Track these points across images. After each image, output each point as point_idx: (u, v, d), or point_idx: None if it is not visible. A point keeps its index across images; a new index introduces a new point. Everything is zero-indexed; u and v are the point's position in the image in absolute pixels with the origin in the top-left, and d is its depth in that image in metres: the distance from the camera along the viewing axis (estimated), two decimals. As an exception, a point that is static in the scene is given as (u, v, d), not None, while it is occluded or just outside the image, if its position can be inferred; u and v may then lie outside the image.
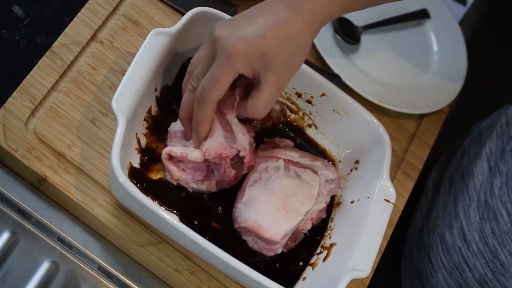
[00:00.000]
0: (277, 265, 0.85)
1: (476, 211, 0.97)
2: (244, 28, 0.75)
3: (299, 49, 0.78)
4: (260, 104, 0.78)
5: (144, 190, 0.82)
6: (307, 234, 0.87)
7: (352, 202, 0.90)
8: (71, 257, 0.84)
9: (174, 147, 0.83)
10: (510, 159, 0.94)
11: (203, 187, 0.84)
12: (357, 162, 0.92)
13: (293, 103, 0.94)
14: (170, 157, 0.83)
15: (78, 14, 0.90)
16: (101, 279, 0.84)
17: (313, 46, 1.03)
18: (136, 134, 0.84)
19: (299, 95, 0.93)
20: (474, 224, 0.96)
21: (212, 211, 0.85)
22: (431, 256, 1.04)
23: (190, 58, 0.90)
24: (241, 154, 0.83)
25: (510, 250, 0.91)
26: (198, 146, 0.82)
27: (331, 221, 0.90)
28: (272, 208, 0.83)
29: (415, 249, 1.08)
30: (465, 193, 1.01)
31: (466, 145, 1.09)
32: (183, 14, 0.92)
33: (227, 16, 0.88)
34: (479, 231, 0.95)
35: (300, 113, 0.94)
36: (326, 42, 1.04)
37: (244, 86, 0.81)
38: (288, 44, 0.76)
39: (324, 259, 0.86)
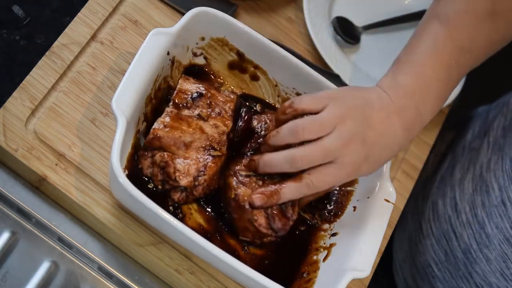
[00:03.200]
0: (278, 264, 0.85)
1: (470, 183, 0.99)
2: (372, 147, 0.80)
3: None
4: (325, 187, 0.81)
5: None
6: (310, 223, 0.86)
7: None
8: (71, 257, 0.83)
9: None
10: (509, 136, 0.95)
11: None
12: (357, 162, 0.92)
13: (293, 103, 0.94)
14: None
15: (78, 14, 0.90)
16: (101, 279, 0.84)
17: (313, 46, 1.03)
18: (137, 134, 0.84)
19: (299, 96, 0.93)
20: (466, 195, 0.98)
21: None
22: (422, 222, 1.06)
23: (191, 64, 0.91)
24: None
25: (497, 224, 0.92)
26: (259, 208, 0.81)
27: (331, 221, 0.90)
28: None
29: (409, 215, 1.10)
30: (464, 165, 1.02)
31: (472, 123, 1.11)
32: (183, 14, 0.92)
33: (227, 16, 0.88)
34: (470, 202, 0.97)
35: (300, 113, 0.94)
36: (326, 42, 1.04)
37: None
38: (389, 159, 0.85)
39: (324, 259, 0.86)
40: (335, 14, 1.08)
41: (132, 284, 0.84)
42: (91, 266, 0.84)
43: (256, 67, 0.92)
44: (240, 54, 0.91)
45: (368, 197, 0.87)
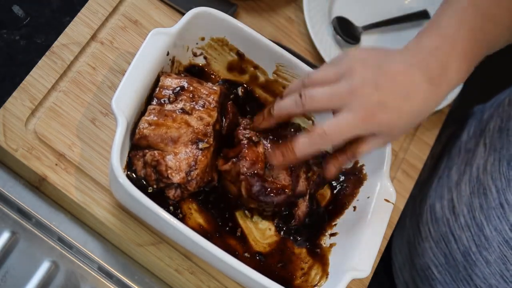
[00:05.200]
0: (278, 265, 0.85)
1: (467, 185, 0.98)
2: (387, 93, 0.76)
3: (423, 120, 0.81)
4: (356, 156, 0.80)
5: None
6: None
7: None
8: (71, 257, 0.84)
9: None
10: (506, 138, 0.94)
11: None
12: (357, 162, 0.92)
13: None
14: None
15: (78, 14, 0.90)
16: (101, 279, 0.84)
17: (313, 46, 1.03)
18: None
19: (299, 95, 0.93)
20: (464, 197, 0.98)
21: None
22: (420, 225, 1.06)
23: (191, 64, 0.91)
24: None
25: (496, 226, 0.92)
26: (280, 166, 0.81)
27: (331, 221, 0.90)
28: None
29: (407, 217, 1.10)
30: (460, 167, 1.02)
31: (468, 124, 1.10)
32: (183, 14, 0.92)
33: (227, 16, 0.88)
34: (468, 205, 0.97)
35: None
36: (326, 42, 1.04)
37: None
38: (417, 119, 0.79)
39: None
40: (335, 14, 1.08)
41: (132, 284, 0.84)
42: (91, 266, 0.84)
43: (256, 67, 0.92)
44: (240, 54, 0.91)
45: (368, 197, 0.87)
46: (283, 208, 0.86)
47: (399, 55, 0.79)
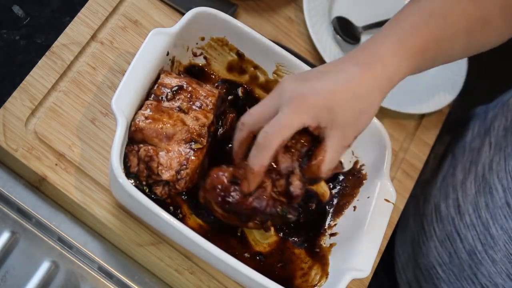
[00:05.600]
0: (278, 264, 0.85)
1: (473, 184, 0.98)
2: (313, 82, 0.76)
3: (368, 108, 0.78)
4: (325, 164, 0.78)
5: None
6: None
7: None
8: (71, 257, 0.84)
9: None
10: (510, 136, 0.94)
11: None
12: (357, 162, 0.92)
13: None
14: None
15: (78, 14, 0.90)
16: (101, 279, 0.84)
17: (313, 46, 1.03)
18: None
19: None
20: (469, 196, 0.98)
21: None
22: (424, 224, 1.05)
23: (191, 64, 0.91)
24: None
25: (502, 225, 0.92)
26: (247, 192, 0.79)
27: (331, 221, 0.90)
28: None
29: (411, 217, 1.10)
30: (465, 166, 1.02)
31: (471, 123, 1.10)
32: (183, 14, 0.92)
33: (227, 16, 0.88)
34: (473, 203, 0.97)
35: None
36: (326, 42, 1.04)
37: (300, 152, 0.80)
38: (357, 102, 0.77)
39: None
40: (335, 14, 1.08)
41: (132, 284, 0.84)
42: (91, 266, 0.84)
43: (256, 67, 0.92)
44: (240, 54, 0.91)
45: (368, 197, 0.87)
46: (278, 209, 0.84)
47: (329, 64, 0.81)
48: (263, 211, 0.80)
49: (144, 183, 0.80)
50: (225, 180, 0.80)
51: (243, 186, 0.78)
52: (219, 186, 0.80)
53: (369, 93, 0.77)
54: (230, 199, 0.79)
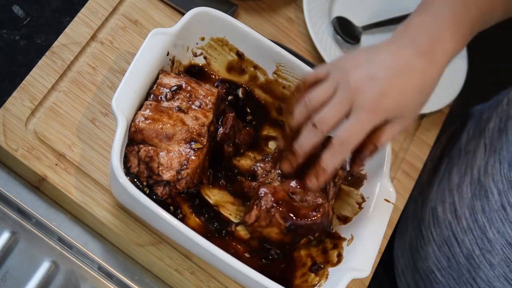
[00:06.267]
0: (278, 265, 0.85)
1: (468, 187, 0.98)
2: (383, 80, 0.78)
3: (430, 95, 0.81)
4: (382, 143, 0.81)
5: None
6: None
7: (352, 202, 0.90)
8: (71, 257, 0.84)
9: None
10: (505, 138, 0.94)
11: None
12: (357, 162, 0.92)
13: (293, 103, 0.94)
14: None
15: (78, 14, 0.90)
16: (101, 279, 0.84)
17: (313, 46, 1.03)
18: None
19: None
20: (465, 200, 0.98)
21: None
22: (422, 228, 1.05)
23: (191, 64, 0.91)
24: None
25: (498, 228, 0.92)
26: (312, 187, 0.81)
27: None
28: None
29: (409, 221, 1.10)
30: (461, 169, 1.02)
31: (467, 125, 1.10)
32: (183, 14, 0.92)
33: (227, 16, 0.88)
34: (470, 207, 0.97)
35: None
36: (326, 42, 1.04)
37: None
38: (423, 95, 0.80)
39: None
40: (335, 14, 1.08)
41: (132, 284, 0.84)
42: (91, 266, 0.84)
43: (256, 67, 0.92)
44: (240, 54, 0.91)
45: (368, 197, 0.87)
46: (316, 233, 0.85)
47: (386, 44, 0.81)
48: (322, 223, 0.82)
49: (144, 183, 0.80)
50: (287, 195, 0.83)
51: (311, 181, 0.80)
52: (282, 201, 0.82)
53: (432, 82, 0.80)
54: (299, 211, 0.82)
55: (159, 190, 0.80)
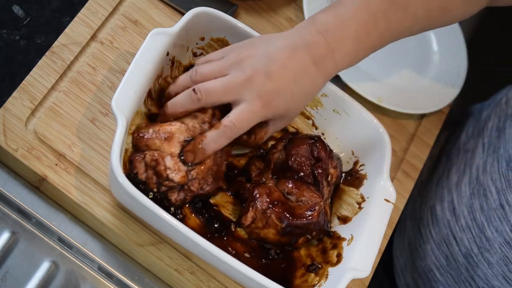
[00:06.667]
0: (278, 265, 0.85)
1: (467, 186, 0.98)
2: (279, 81, 0.80)
3: (311, 100, 0.85)
4: (263, 139, 0.85)
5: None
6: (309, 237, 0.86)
7: (352, 202, 0.90)
8: (71, 257, 0.84)
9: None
10: (504, 137, 0.94)
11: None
12: (357, 162, 0.92)
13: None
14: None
15: (78, 14, 0.90)
16: (101, 279, 0.84)
17: (313, 46, 1.03)
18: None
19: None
20: (464, 199, 0.98)
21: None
22: (421, 227, 1.06)
23: (191, 64, 0.91)
24: None
25: (497, 227, 0.92)
26: (192, 162, 0.81)
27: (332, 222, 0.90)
28: None
29: (408, 220, 1.10)
30: (460, 168, 1.02)
31: (466, 124, 1.10)
32: (183, 14, 0.92)
33: (227, 16, 0.88)
34: (468, 206, 0.97)
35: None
36: (326, 42, 1.04)
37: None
38: (308, 100, 0.84)
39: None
40: (335, 14, 1.08)
41: (132, 284, 0.84)
42: (91, 266, 0.84)
43: (256, 67, 0.92)
44: (240, 54, 0.91)
45: (368, 197, 0.87)
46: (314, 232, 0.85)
47: (284, 38, 0.82)
48: (318, 222, 0.83)
49: (155, 190, 0.79)
50: (282, 196, 0.83)
51: (187, 157, 0.80)
52: (277, 201, 0.82)
53: (318, 90, 0.84)
54: (294, 211, 0.82)
55: (173, 197, 0.80)
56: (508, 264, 0.91)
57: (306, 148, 0.86)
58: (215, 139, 0.79)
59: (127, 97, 0.79)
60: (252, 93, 0.79)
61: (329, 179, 0.87)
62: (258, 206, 0.82)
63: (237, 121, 0.79)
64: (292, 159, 0.85)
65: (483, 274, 0.94)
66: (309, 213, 0.82)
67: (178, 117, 0.82)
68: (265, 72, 0.79)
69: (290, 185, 0.84)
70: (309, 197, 0.83)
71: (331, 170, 0.87)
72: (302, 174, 0.85)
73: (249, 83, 0.79)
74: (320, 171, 0.85)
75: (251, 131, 0.83)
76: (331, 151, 0.88)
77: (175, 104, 0.81)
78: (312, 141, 0.86)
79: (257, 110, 0.80)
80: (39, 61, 0.86)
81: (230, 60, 0.81)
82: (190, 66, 0.91)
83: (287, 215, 0.81)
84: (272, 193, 0.82)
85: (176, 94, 0.82)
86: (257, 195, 0.82)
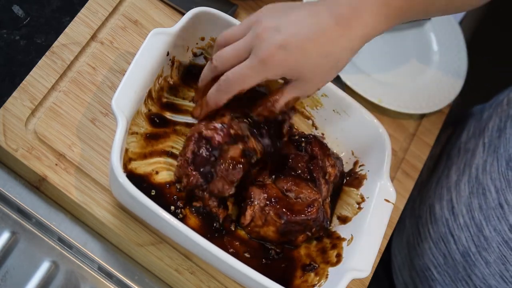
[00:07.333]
0: (278, 265, 0.85)
1: (466, 185, 0.98)
2: (289, 34, 0.76)
3: (337, 66, 0.78)
4: (281, 105, 0.81)
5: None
6: (310, 234, 0.86)
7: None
8: (71, 257, 0.84)
9: None
10: (504, 137, 0.94)
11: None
12: (357, 162, 0.92)
13: (293, 103, 0.94)
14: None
15: (78, 14, 0.90)
16: (101, 279, 0.84)
17: (313, 46, 1.03)
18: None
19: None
20: (463, 197, 0.98)
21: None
22: (419, 226, 1.06)
23: (191, 64, 0.91)
24: None
25: (495, 226, 0.92)
26: (198, 117, 0.85)
27: (332, 222, 0.90)
28: None
29: (407, 219, 1.10)
30: (459, 167, 1.02)
31: (467, 124, 1.10)
32: (183, 14, 0.92)
33: (227, 16, 0.88)
34: (467, 205, 0.97)
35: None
36: (326, 42, 1.04)
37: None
38: (328, 61, 0.77)
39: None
40: (335, 14, 1.08)
41: (132, 284, 0.84)
42: (91, 266, 0.84)
43: (256, 67, 0.92)
44: (240, 54, 0.91)
45: (368, 197, 0.87)
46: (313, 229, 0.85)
47: (309, 4, 0.79)
48: (317, 218, 0.83)
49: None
50: (279, 193, 0.83)
51: (195, 110, 0.84)
52: (275, 199, 0.82)
53: (342, 53, 0.77)
54: (293, 208, 0.82)
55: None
56: (505, 263, 0.91)
57: (301, 146, 0.86)
58: (214, 92, 0.81)
59: (127, 97, 0.79)
60: (257, 48, 0.76)
61: (327, 177, 0.87)
62: (256, 204, 0.82)
63: (232, 74, 0.78)
64: (289, 157, 0.86)
65: (480, 273, 0.94)
66: (308, 209, 0.82)
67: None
68: (275, 27, 0.76)
69: (289, 183, 0.84)
70: (308, 193, 0.83)
71: (329, 169, 0.87)
72: (299, 171, 0.85)
73: (258, 39, 0.77)
74: (315, 168, 0.85)
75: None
76: (328, 149, 0.88)
77: (201, 79, 0.84)
78: (307, 139, 0.87)
79: (255, 65, 0.76)
80: (39, 61, 0.86)
81: (249, 22, 0.79)
82: (190, 66, 0.91)
83: (286, 211, 0.81)
84: (270, 191, 0.83)
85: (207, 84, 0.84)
86: (254, 194, 0.82)
